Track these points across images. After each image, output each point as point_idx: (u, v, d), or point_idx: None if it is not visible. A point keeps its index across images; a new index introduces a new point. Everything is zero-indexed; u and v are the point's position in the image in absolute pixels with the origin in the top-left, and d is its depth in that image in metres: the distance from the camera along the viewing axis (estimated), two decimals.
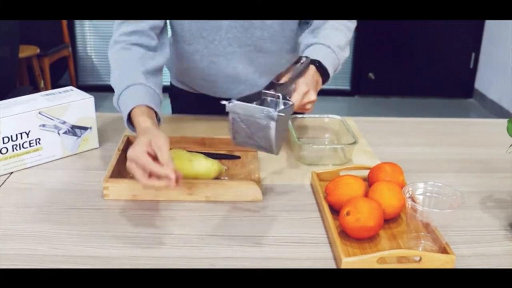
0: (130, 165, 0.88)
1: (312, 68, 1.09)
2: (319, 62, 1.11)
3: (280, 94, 0.94)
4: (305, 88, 1.02)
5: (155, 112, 1.04)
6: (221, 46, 1.25)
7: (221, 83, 1.32)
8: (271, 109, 0.88)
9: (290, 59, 1.18)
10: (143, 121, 0.98)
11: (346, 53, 1.23)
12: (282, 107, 0.94)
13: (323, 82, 1.13)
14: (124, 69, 1.10)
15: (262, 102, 0.96)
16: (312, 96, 1.04)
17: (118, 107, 1.08)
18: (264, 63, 1.29)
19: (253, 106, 0.90)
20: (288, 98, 0.97)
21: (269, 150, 0.92)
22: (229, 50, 1.25)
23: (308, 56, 1.08)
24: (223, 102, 0.91)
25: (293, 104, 0.96)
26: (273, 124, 0.88)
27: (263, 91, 0.95)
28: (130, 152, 0.88)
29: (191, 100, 1.43)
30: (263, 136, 0.90)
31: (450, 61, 4.48)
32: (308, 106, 1.06)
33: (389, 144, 1.28)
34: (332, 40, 1.17)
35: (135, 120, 1.00)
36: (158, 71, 1.15)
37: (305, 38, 1.21)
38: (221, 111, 1.41)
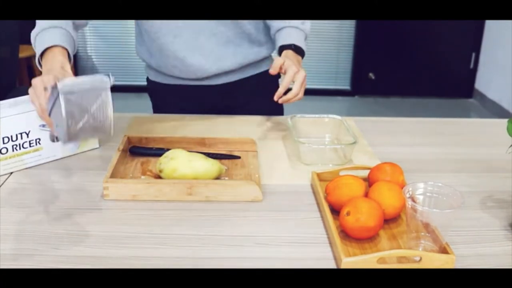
0: (30, 91, 0.97)
1: (288, 52, 1.27)
2: (294, 45, 1.28)
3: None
4: (295, 69, 1.18)
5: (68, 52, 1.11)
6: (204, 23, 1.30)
7: (191, 59, 1.34)
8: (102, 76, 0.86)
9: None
10: (55, 60, 1.05)
11: (307, 25, 1.36)
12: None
13: (302, 57, 1.32)
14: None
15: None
16: (303, 71, 1.19)
17: (34, 42, 1.15)
18: (225, 34, 1.33)
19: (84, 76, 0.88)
20: None
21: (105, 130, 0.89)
22: (191, 22, 1.29)
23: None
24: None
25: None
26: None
27: None
28: (35, 80, 0.95)
29: (169, 93, 1.45)
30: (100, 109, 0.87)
31: (450, 61, 4.49)
32: (305, 82, 1.20)
33: (389, 144, 1.29)
34: (296, 20, 1.33)
35: (48, 57, 1.07)
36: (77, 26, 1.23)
37: (274, 20, 1.35)
38: (199, 100, 1.44)
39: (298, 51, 1.29)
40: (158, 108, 1.50)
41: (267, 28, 1.39)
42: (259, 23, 1.37)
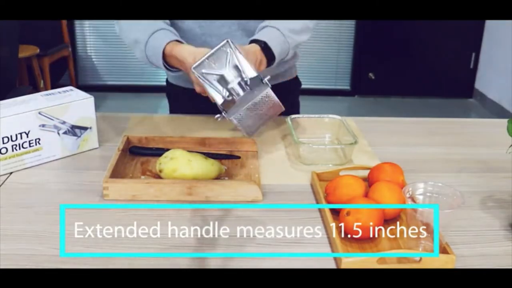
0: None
1: (255, 46, 1.15)
2: (265, 43, 1.16)
3: (247, 79, 1.04)
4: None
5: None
6: (214, 26, 1.26)
7: None
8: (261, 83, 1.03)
9: None
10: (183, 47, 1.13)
11: (301, 37, 1.26)
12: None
13: (268, 64, 1.18)
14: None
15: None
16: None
17: (146, 53, 1.18)
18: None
19: (244, 95, 1.04)
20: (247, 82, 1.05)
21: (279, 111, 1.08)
22: (223, 30, 1.26)
23: (228, 40, 1.08)
24: (217, 117, 1.05)
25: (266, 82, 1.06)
26: (269, 90, 1.04)
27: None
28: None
29: (188, 97, 1.42)
30: (272, 107, 1.05)
31: (450, 61, 4.48)
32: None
33: (389, 144, 1.28)
34: (283, 24, 1.21)
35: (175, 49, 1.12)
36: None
37: (263, 21, 1.25)
38: (215, 105, 1.42)
39: (268, 53, 1.17)
40: (175, 111, 1.48)
41: None
42: None
